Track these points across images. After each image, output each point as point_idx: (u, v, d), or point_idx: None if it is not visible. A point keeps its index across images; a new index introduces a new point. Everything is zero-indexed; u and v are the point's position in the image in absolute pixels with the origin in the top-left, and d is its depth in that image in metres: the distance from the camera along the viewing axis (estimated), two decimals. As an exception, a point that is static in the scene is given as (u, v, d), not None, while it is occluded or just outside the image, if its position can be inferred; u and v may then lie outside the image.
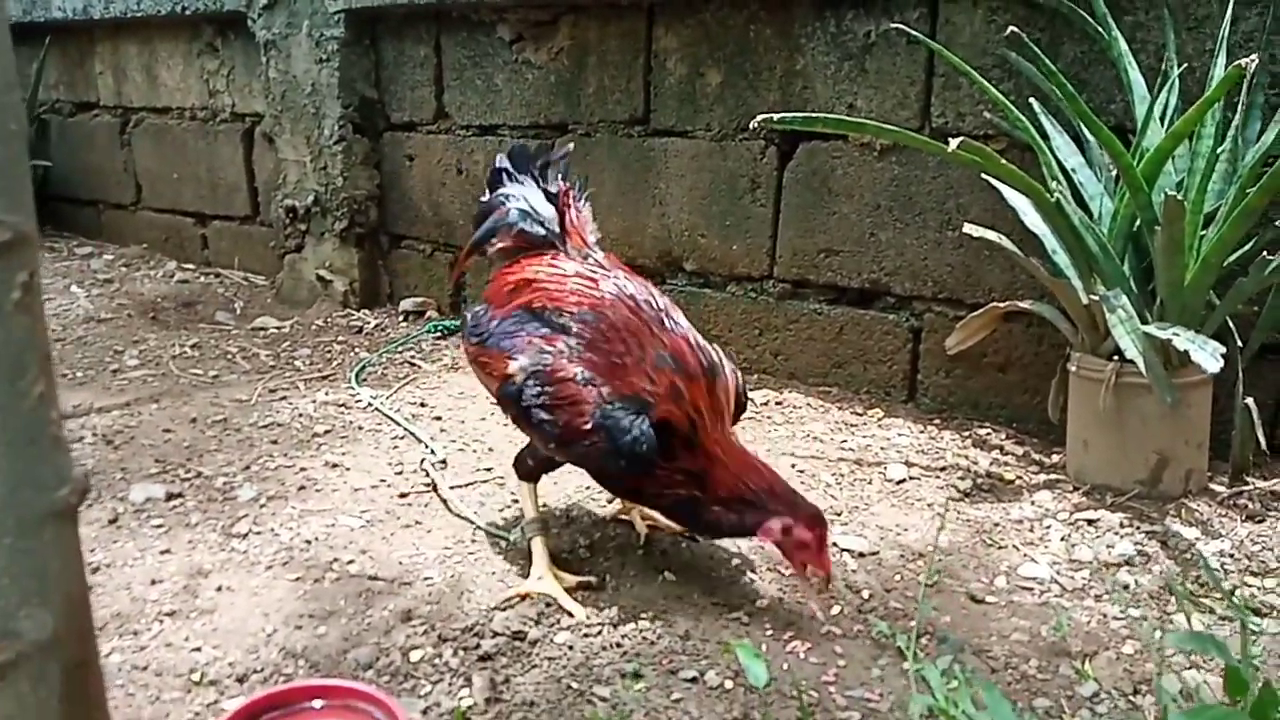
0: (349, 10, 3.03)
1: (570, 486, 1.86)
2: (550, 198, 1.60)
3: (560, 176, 1.64)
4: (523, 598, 1.46)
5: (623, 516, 1.74)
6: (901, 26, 2.10)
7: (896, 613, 1.47)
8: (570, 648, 1.35)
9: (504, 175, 1.65)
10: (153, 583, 1.52)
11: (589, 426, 1.37)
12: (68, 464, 0.73)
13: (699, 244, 2.62)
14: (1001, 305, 2.06)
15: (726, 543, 1.65)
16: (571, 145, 1.78)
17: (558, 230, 1.59)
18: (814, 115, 2.00)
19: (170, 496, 1.83)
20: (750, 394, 1.82)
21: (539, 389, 1.41)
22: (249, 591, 1.50)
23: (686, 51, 2.56)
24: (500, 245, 1.62)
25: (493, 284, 1.60)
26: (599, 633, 1.39)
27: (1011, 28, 1.93)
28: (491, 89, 2.95)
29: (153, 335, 2.95)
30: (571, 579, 1.51)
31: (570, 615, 1.42)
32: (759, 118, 1.79)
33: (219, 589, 1.51)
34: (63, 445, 0.72)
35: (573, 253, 1.57)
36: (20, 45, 4.32)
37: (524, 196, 1.61)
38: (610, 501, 1.79)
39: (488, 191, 1.68)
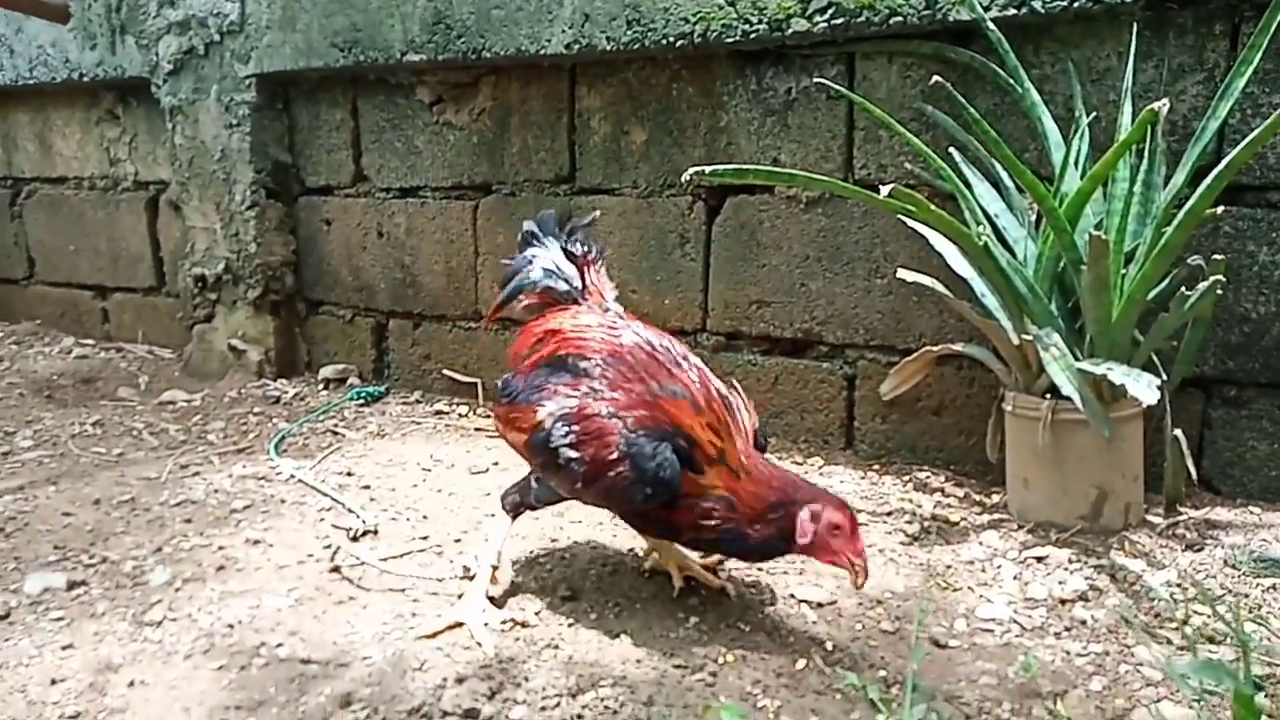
0: (260, 75, 2.96)
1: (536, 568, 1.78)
2: (571, 257, 1.72)
3: (581, 241, 1.75)
4: (451, 628, 1.49)
5: (659, 568, 1.69)
6: (823, 81, 2.15)
7: (862, 663, 1.42)
8: (528, 723, 1.26)
9: (532, 238, 1.76)
10: (53, 682, 1.37)
11: (614, 456, 1.42)
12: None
13: (630, 299, 2.59)
14: (934, 349, 2.09)
15: (685, 601, 1.59)
16: (598, 213, 1.92)
17: (579, 286, 1.69)
18: (745, 167, 2.01)
19: (72, 585, 1.66)
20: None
21: (566, 429, 1.47)
22: (166, 685, 1.36)
23: (610, 110, 2.57)
24: (527, 302, 1.72)
25: (519, 339, 1.68)
26: (557, 705, 1.30)
27: (936, 76, 1.99)
28: (412, 151, 2.90)
29: (49, 414, 2.75)
30: (498, 614, 1.53)
31: (479, 646, 1.44)
32: (691, 170, 1.79)
33: (131, 684, 1.36)
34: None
35: (594, 307, 1.66)
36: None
37: (548, 256, 1.72)
38: (644, 556, 1.73)
39: (516, 252, 1.78)
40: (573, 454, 1.46)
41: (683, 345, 1.58)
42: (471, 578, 1.64)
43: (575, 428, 1.46)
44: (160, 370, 3.28)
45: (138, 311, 3.63)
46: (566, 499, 1.57)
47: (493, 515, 1.98)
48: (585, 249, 1.73)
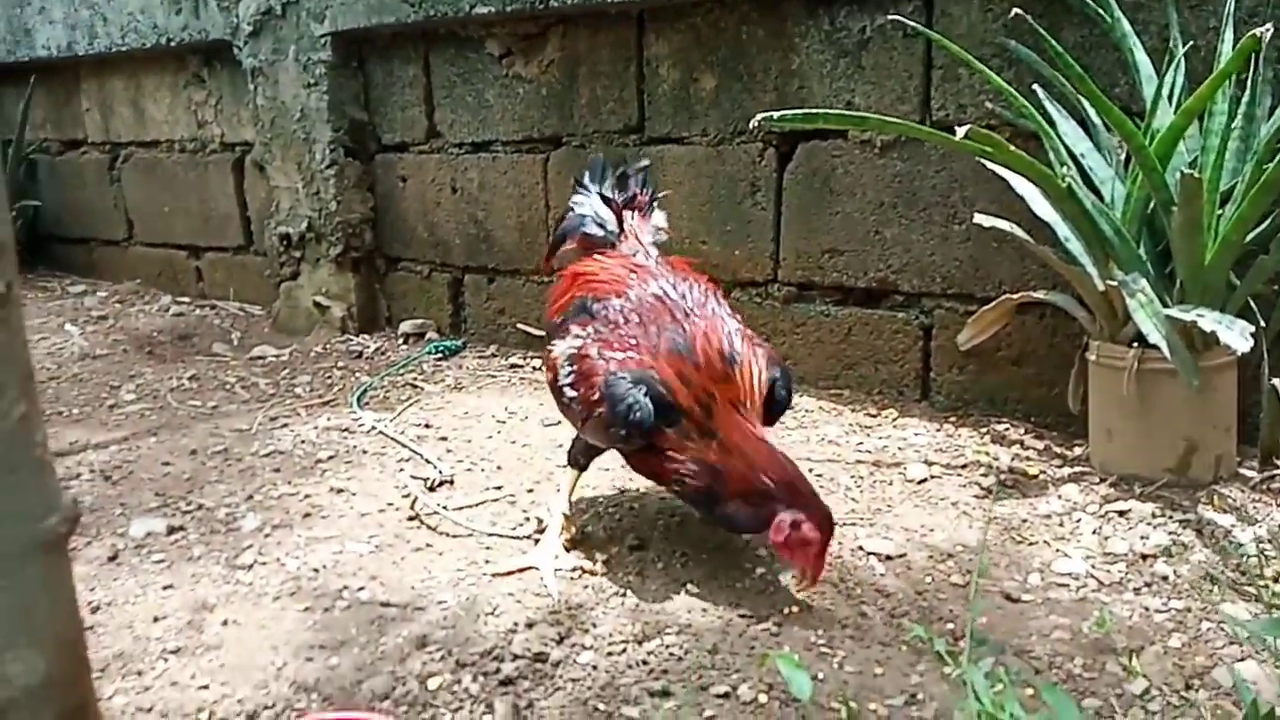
0: (335, 33, 3.00)
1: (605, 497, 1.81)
2: (608, 202, 1.76)
3: (639, 185, 1.80)
4: (524, 570, 1.54)
5: None
6: (898, 19, 2.06)
7: (930, 616, 1.41)
8: (594, 667, 1.29)
9: (579, 185, 1.83)
10: (155, 620, 1.46)
11: (596, 396, 1.45)
12: (55, 491, 0.67)
13: (700, 250, 2.57)
14: (1014, 297, 2.01)
15: (752, 552, 1.60)
16: (646, 161, 1.96)
17: (615, 231, 1.74)
18: (814, 111, 1.96)
19: (171, 530, 1.77)
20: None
21: (569, 369, 1.53)
22: (256, 624, 1.45)
23: (679, 57, 2.53)
24: (570, 247, 1.80)
25: (556, 284, 1.75)
26: (623, 650, 1.33)
27: (1016, 10, 1.89)
28: (483, 105, 2.91)
29: (149, 369, 2.89)
30: (571, 559, 1.57)
31: (548, 591, 1.48)
32: (758, 117, 1.74)
33: (225, 623, 1.45)
34: (49, 471, 0.67)
35: (625, 250, 1.70)
36: (5, 86, 4.32)
37: (588, 203, 1.78)
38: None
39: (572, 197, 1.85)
40: (572, 393, 1.52)
41: (713, 295, 1.57)
42: (542, 530, 1.68)
43: (574, 368, 1.51)
44: (251, 326, 3.42)
45: (229, 270, 3.78)
46: (599, 447, 1.60)
47: (563, 467, 2.01)
48: (628, 194, 1.77)
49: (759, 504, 1.37)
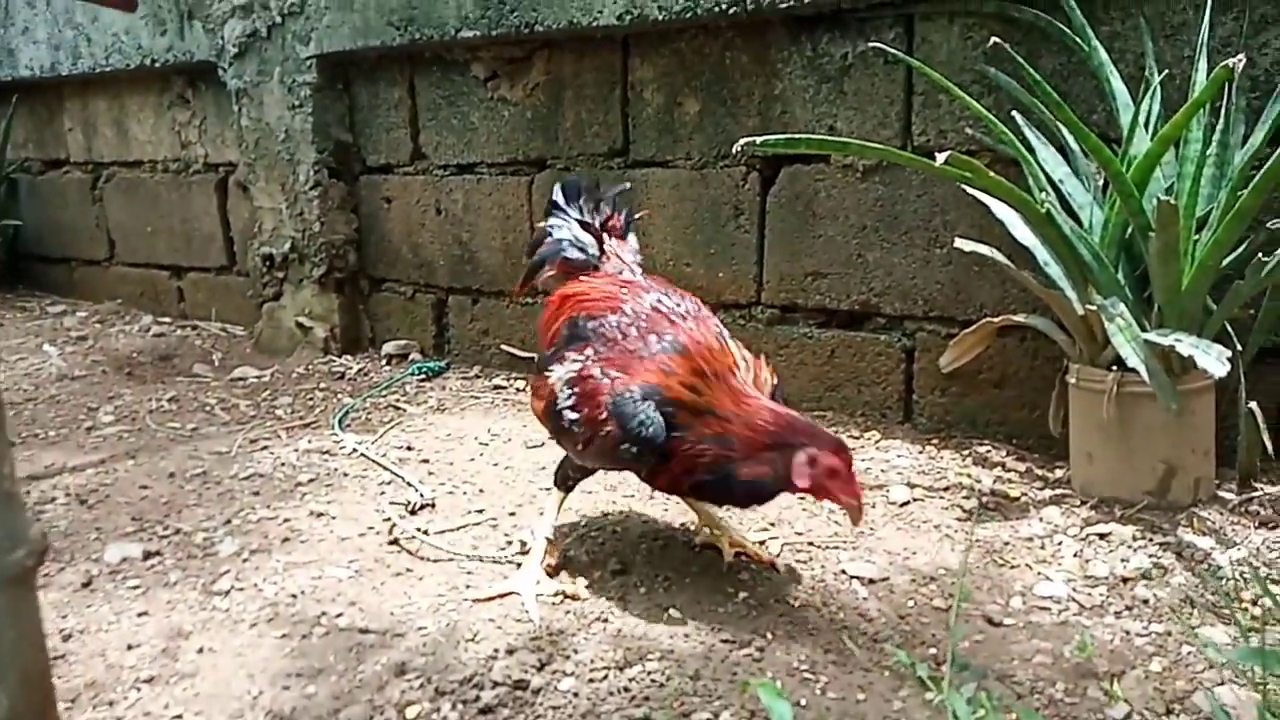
0: (320, 56, 3.01)
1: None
2: (586, 226, 1.75)
3: (610, 208, 1.80)
4: (504, 595, 1.53)
5: (709, 543, 1.69)
6: (880, 46, 2.09)
7: (912, 640, 1.41)
8: (575, 694, 1.28)
9: (554, 208, 1.80)
10: (129, 647, 1.44)
11: (603, 415, 1.43)
12: (23, 524, 0.66)
13: (684, 273, 2.58)
14: (995, 320, 2.02)
15: (735, 576, 1.59)
16: (628, 184, 1.99)
17: (596, 254, 1.73)
18: (797, 136, 1.97)
19: (147, 555, 1.74)
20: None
21: (569, 392, 1.50)
22: (232, 651, 1.42)
23: (663, 81, 2.55)
24: (550, 273, 1.77)
25: (543, 312, 1.74)
26: (605, 677, 1.32)
27: (994, 39, 1.92)
28: (468, 127, 2.92)
29: (128, 391, 2.87)
30: (553, 584, 1.55)
31: (529, 616, 1.47)
32: (741, 141, 1.76)
33: (200, 650, 1.43)
34: (16, 503, 0.66)
35: (609, 271, 1.70)
36: (-13, 104, 4.29)
37: (566, 227, 1.77)
38: (695, 530, 1.73)
39: (545, 219, 1.83)
40: (573, 415, 1.49)
41: (703, 307, 1.60)
42: (526, 552, 1.67)
43: (575, 390, 1.49)
44: (233, 347, 3.39)
45: (211, 290, 3.76)
46: (590, 469, 1.60)
47: (547, 489, 2.00)
48: (606, 216, 1.77)
49: (772, 458, 1.38)
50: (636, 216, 1.88)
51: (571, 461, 1.62)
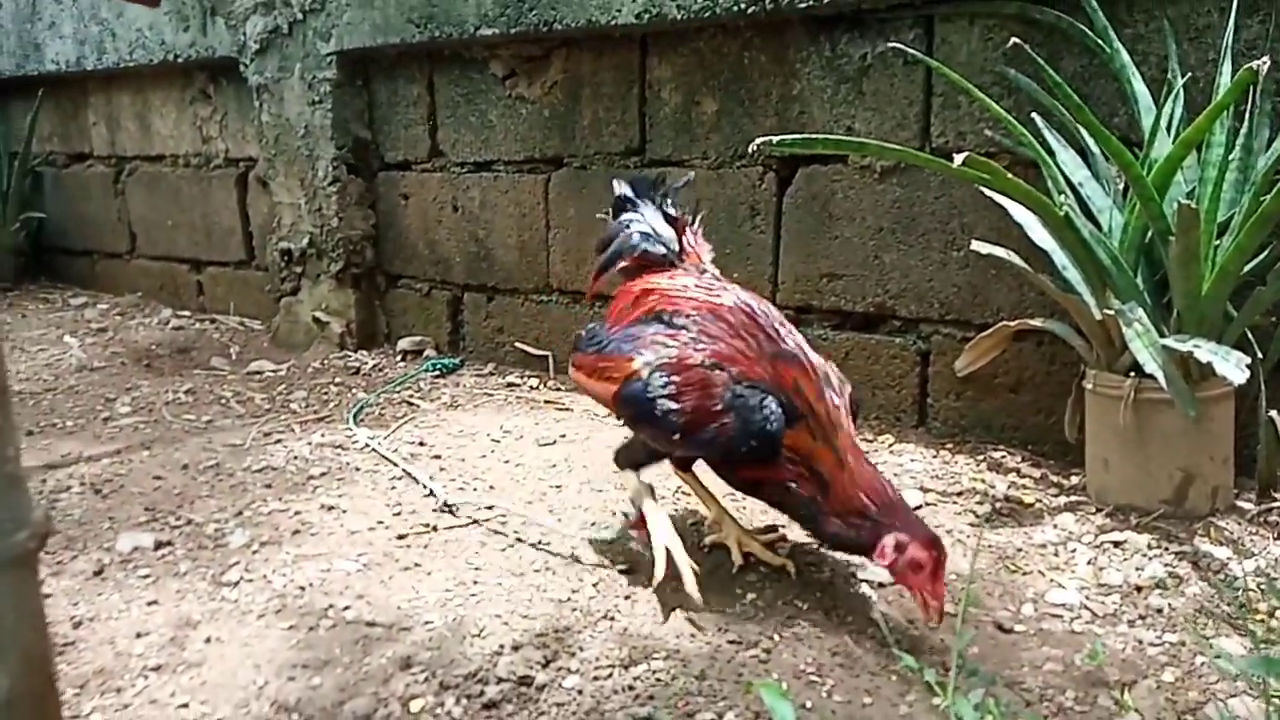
0: (341, 52, 3.03)
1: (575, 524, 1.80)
2: (670, 220, 1.70)
3: (676, 203, 1.73)
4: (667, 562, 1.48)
5: (718, 542, 1.66)
6: (899, 46, 2.07)
7: (921, 645, 1.39)
8: (580, 692, 1.28)
9: (627, 202, 1.74)
10: (138, 635, 1.45)
11: (719, 408, 1.40)
12: (26, 506, 0.66)
13: (699, 273, 2.57)
14: (1011, 324, 2.01)
15: (742, 577, 1.58)
16: (692, 174, 1.92)
17: (676, 250, 1.67)
18: (813, 136, 1.96)
19: (159, 545, 1.76)
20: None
21: (666, 378, 1.44)
22: (239, 642, 1.43)
23: (681, 81, 2.54)
24: (623, 265, 1.69)
25: (615, 300, 1.67)
26: (610, 675, 1.31)
27: (1014, 39, 1.90)
28: (485, 125, 2.93)
29: (146, 382, 2.89)
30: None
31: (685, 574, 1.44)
32: (758, 141, 1.75)
33: (208, 640, 1.44)
34: (20, 485, 0.66)
35: (691, 269, 1.65)
36: (14, 99, 4.35)
37: (645, 220, 1.70)
38: (706, 531, 1.72)
39: (611, 218, 1.76)
40: (671, 405, 1.43)
41: (780, 315, 1.54)
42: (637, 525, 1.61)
43: (675, 378, 1.43)
44: (250, 341, 3.42)
45: (230, 284, 3.79)
46: (663, 455, 1.55)
47: (558, 487, 2.01)
48: (681, 211, 1.71)
49: (860, 526, 1.37)
50: (700, 214, 1.82)
51: (643, 447, 1.56)
